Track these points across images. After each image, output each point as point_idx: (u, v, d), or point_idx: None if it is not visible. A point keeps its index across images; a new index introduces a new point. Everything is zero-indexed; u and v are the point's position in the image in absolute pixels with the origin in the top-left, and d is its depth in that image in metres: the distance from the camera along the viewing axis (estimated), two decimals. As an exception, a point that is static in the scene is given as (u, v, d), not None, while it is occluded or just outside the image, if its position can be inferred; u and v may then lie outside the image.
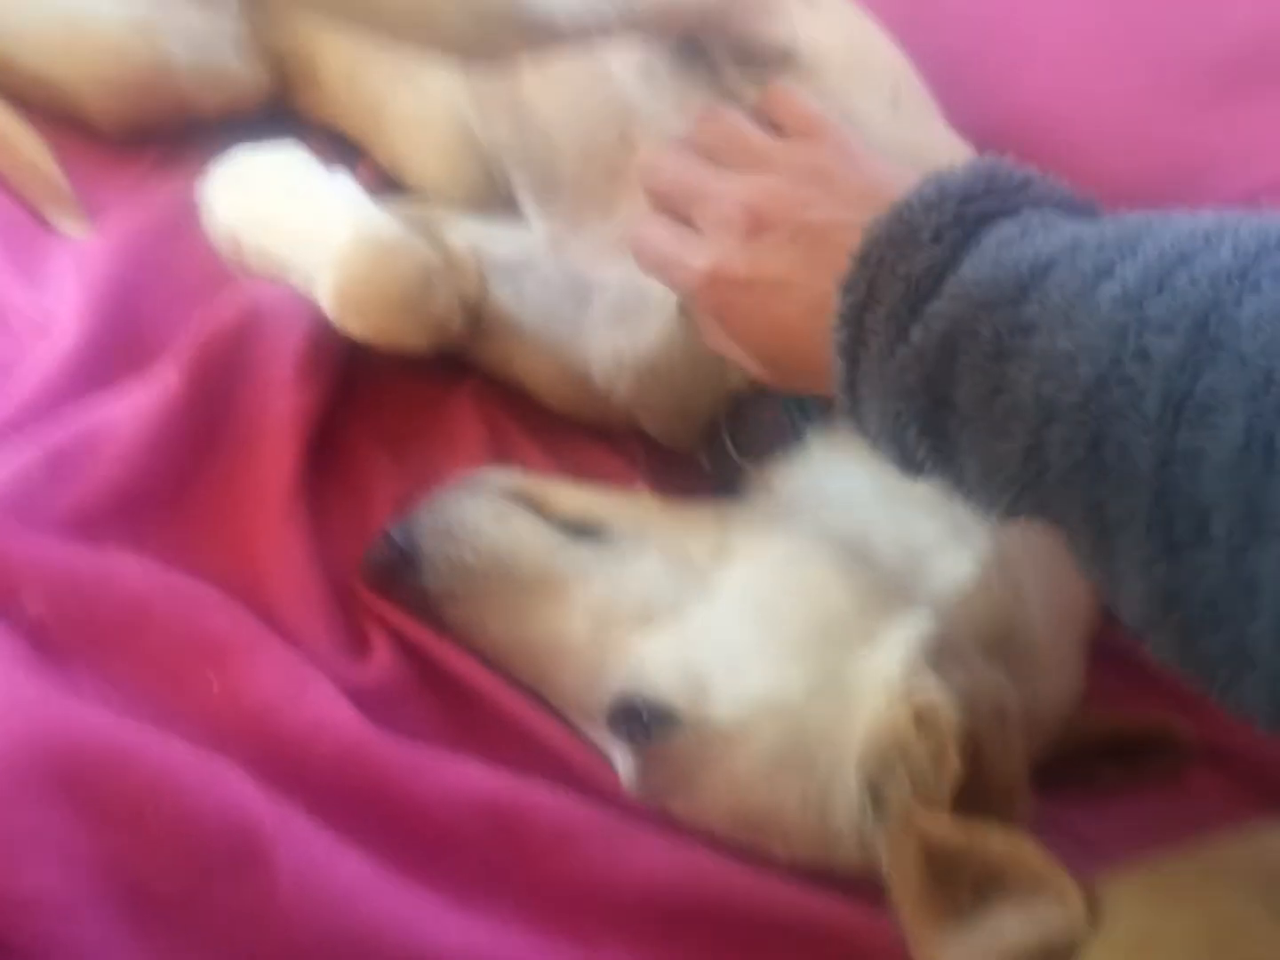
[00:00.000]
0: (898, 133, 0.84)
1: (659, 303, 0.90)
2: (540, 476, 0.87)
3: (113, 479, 0.79)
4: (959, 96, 0.94)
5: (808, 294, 0.69)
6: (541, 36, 0.72)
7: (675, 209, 0.78)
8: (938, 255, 0.62)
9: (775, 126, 0.78)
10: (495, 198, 1.02)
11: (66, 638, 0.71)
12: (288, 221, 0.85)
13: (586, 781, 0.77)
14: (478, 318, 0.96)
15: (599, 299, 0.94)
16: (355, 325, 0.82)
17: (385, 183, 1.11)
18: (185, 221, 0.95)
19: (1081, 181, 0.69)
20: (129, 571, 0.74)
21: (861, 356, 0.64)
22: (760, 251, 0.71)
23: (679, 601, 0.77)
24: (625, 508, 0.83)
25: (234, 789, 0.65)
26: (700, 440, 0.95)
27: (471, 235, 0.98)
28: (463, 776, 0.72)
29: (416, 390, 0.97)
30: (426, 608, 0.80)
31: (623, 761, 0.76)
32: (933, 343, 0.61)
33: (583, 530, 0.81)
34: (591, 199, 0.94)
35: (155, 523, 0.81)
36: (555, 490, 0.84)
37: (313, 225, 0.83)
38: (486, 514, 0.80)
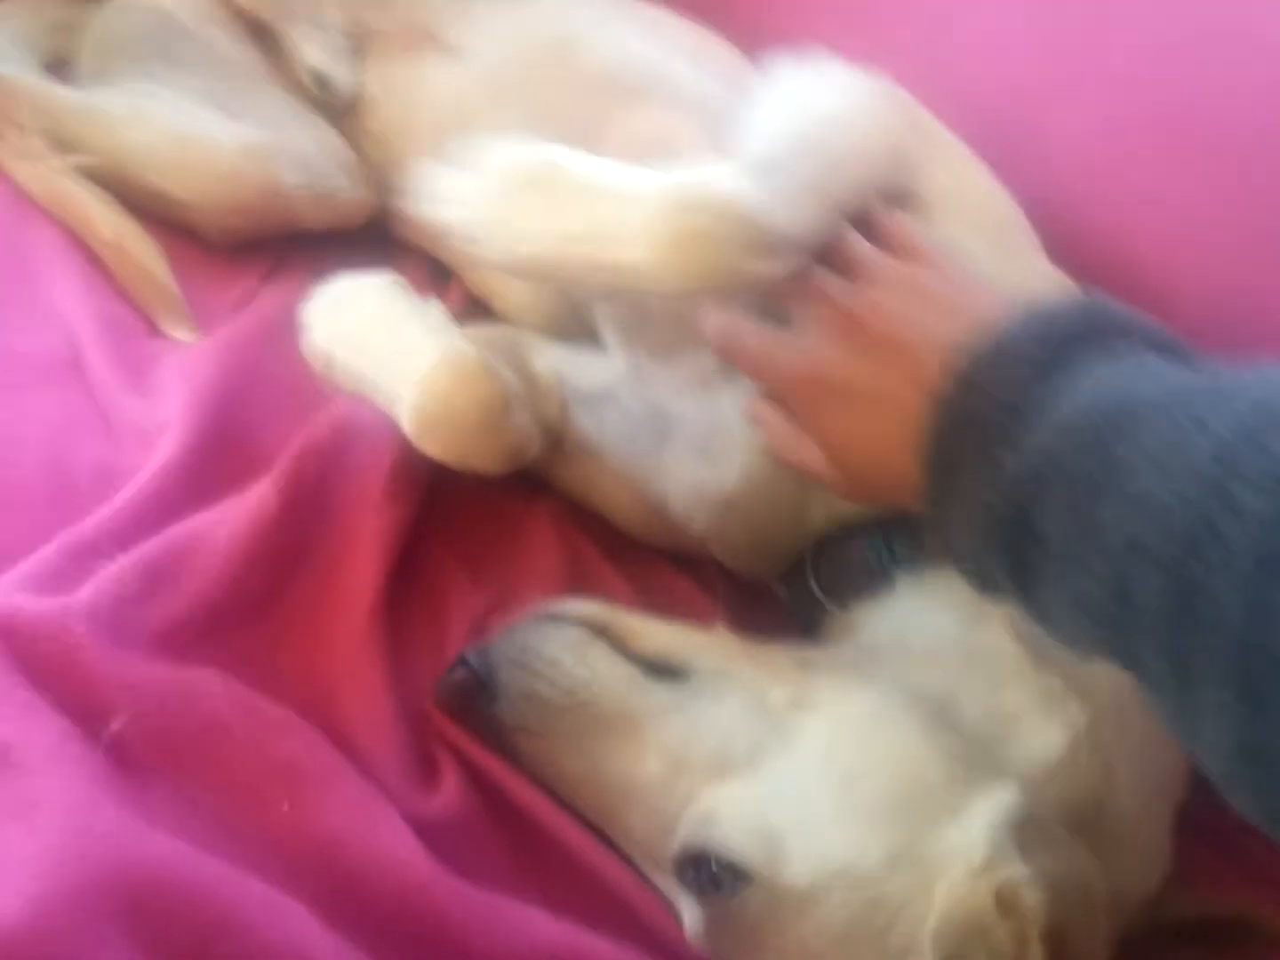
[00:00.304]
0: (999, 266, 0.84)
1: (741, 439, 0.90)
2: (620, 606, 0.86)
3: (203, 593, 0.81)
4: (1064, 236, 0.95)
5: (901, 408, 0.70)
6: (782, 253, 0.75)
7: (774, 305, 0.80)
8: (1039, 388, 0.63)
9: (883, 247, 0.81)
10: (578, 326, 1.03)
11: (145, 754, 0.72)
12: (377, 343, 0.87)
13: (650, 929, 0.76)
14: (558, 443, 0.98)
15: (679, 432, 0.94)
16: (432, 446, 0.84)
17: (474, 306, 1.14)
18: (289, 333, 0.97)
19: (1178, 328, 0.69)
20: (211, 690, 0.75)
21: (952, 476, 0.66)
22: (859, 361, 0.74)
23: (757, 751, 0.76)
24: (706, 648, 0.82)
25: (300, 930, 0.65)
26: (780, 575, 0.95)
27: (556, 362, 0.99)
28: (525, 924, 0.71)
29: (497, 510, 0.98)
30: (498, 737, 0.80)
31: (688, 912, 0.75)
32: (1025, 473, 0.62)
33: (662, 668, 0.80)
34: (680, 331, 0.94)
35: (240, 638, 0.82)
36: (636, 624, 0.83)
37: (400, 348, 0.86)
38: (565, 646, 0.80)
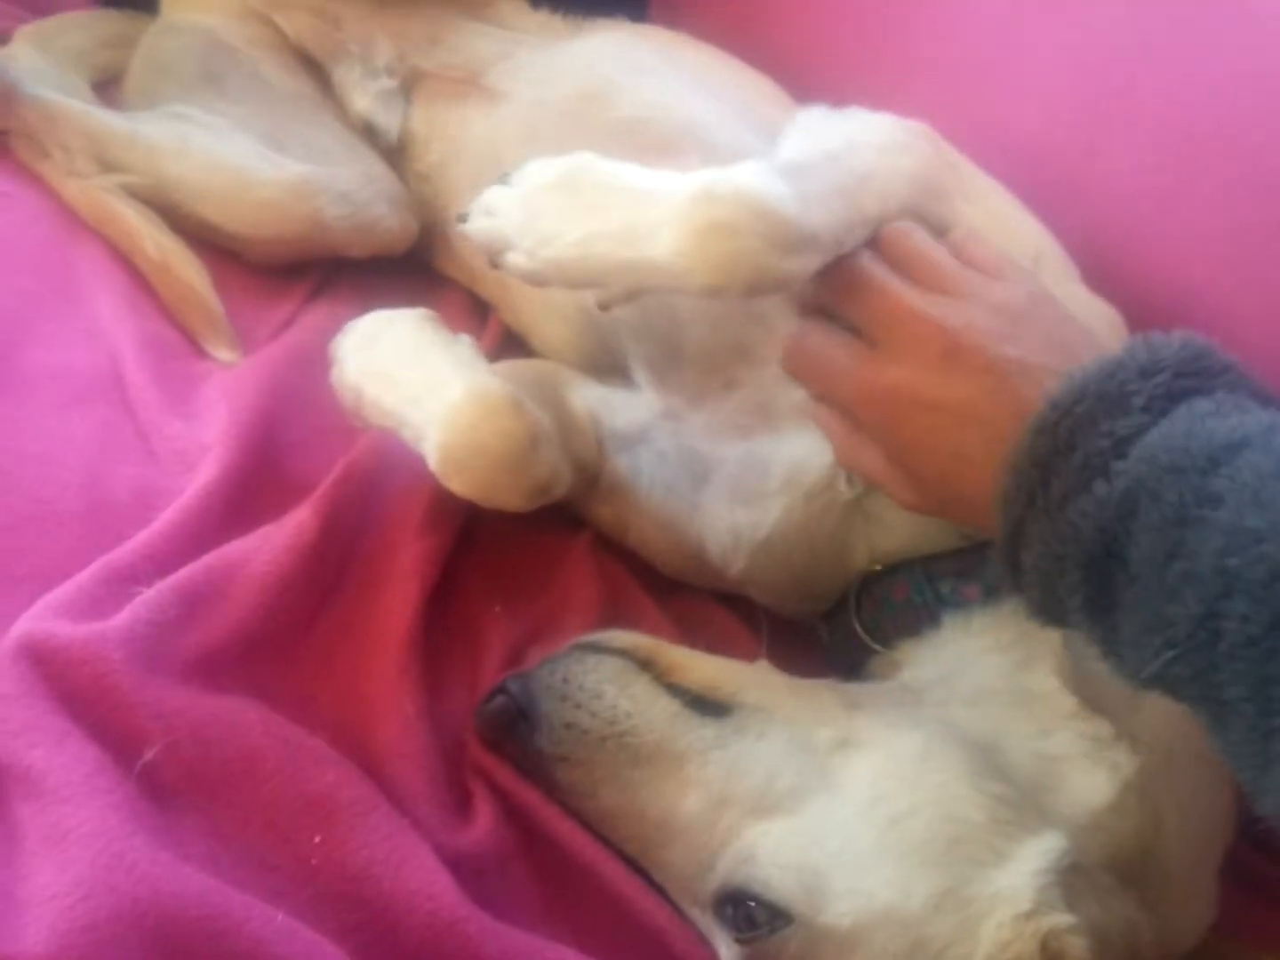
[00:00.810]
0: None
1: (779, 483, 0.89)
2: (664, 641, 0.85)
3: (239, 621, 0.80)
4: (1104, 271, 0.94)
5: (990, 427, 0.71)
6: (809, 252, 0.75)
7: (847, 314, 0.79)
8: (1138, 420, 0.64)
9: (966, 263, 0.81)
10: (613, 366, 1.03)
11: (177, 783, 0.72)
12: (405, 378, 0.86)
13: None
14: (594, 481, 0.97)
15: (717, 476, 0.93)
16: (457, 482, 0.83)
17: (511, 342, 1.14)
18: (329, 359, 0.97)
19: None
20: (246, 720, 0.75)
21: (1039, 497, 0.66)
22: (952, 377, 0.74)
23: (800, 790, 0.75)
24: (750, 684, 0.81)
25: (330, 967, 0.64)
26: (822, 616, 0.93)
27: (592, 400, 0.98)
28: (556, 965, 0.70)
29: (535, 542, 0.97)
30: (536, 766, 0.79)
31: (725, 948, 0.74)
32: (1117, 498, 0.63)
33: (705, 703, 0.79)
34: (714, 374, 0.94)
35: (275, 666, 0.81)
36: (680, 657, 0.82)
37: (428, 383, 0.85)
38: (608, 677, 0.79)
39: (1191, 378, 0.66)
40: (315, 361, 0.99)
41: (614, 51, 1.13)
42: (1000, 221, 0.88)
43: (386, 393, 0.87)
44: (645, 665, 0.81)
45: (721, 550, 0.93)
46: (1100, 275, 0.93)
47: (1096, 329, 0.83)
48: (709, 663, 0.82)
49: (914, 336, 0.76)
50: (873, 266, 0.79)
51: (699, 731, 0.77)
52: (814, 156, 0.82)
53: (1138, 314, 0.89)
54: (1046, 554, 0.66)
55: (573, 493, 0.92)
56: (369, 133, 1.18)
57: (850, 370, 0.78)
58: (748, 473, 0.91)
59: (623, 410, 0.96)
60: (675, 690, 0.79)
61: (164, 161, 1.08)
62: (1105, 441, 0.64)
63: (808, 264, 0.75)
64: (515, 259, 0.80)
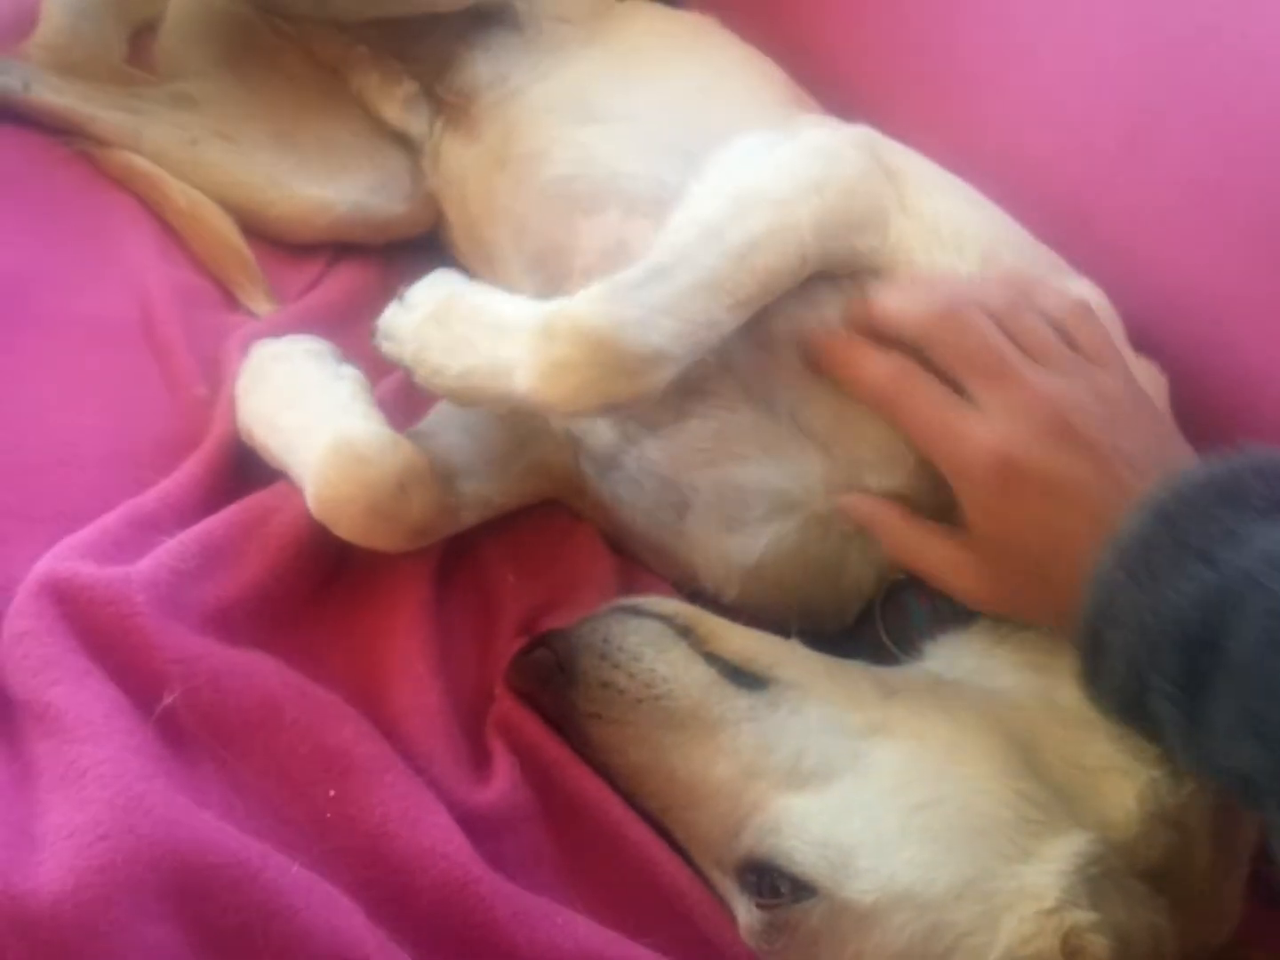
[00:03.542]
0: None
1: (764, 512, 0.88)
2: (704, 611, 0.84)
3: (256, 578, 0.80)
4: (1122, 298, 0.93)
5: (1096, 510, 0.71)
6: (657, 368, 0.76)
7: (945, 362, 0.78)
8: (1249, 517, 0.64)
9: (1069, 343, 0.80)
10: None
11: (196, 730, 0.71)
12: (284, 424, 0.86)
13: (701, 928, 0.75)
14: (580, 494, 0.97)
15: (696, 505, 0.91)
16: (337, 530, 0.82)
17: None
18: (355, 315, 0.97)
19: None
20: (265, 670, 0.75)
21: (1140, 574, 0.66)
22: (1062, 456, 0.74)
23: (831, 767, 0.74)
24: (786, 659, 0.80)
25: (346, 919, 0.64)
26: (843, 628, 0.91)
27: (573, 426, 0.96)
28: (570, 928, 0.70)
29: (548, 514, 0.97)
30: (569, 721, 0.80)
31: (745, 912, 0.74)
32: (1222, 590, 0.62)
33: (741, 674, 0.79)
34: (663, 406, 0.90)
35: (291, 624, 0.81)
36: (719, 627, 0.82)
37: (302, 430, 0.85)
38: (648, 640, 0.79)
39: None
40: (341, 320, 0.99)
41: (585, 80, 1.11)
42: (944, 227, 0.86)
43: (270, 439, 0.86)
44: (683, 633, 0.80)
45: (713, 577, 0.92)
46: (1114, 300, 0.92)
47: (1151, 391, 0.84)
48: (747, 635, 0.82)
49: (1025, 406, 0.75)
50: (988, 325, 0.78)
51: (733, 702, 0.77)
52: (686, 242, 0.80)
53: (1149, 342, 0.90)
54: (1141, 631, 0.65)
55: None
56: (403, 141, 1.17)
57: (962, 431, 0.77)
58: (726, 501, 0.89)
59: (591, 431, 0.94)
60: (712, 659, 0.79)
61: (170, 162, 1.08)
62: (1217, 530, 0.64)
63: (658, 378, 0.76)
64: (420, 381, 0.84)
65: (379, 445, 0.83)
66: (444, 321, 0.82)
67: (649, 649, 0.79)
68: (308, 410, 0.86)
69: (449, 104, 1.15)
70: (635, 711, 0.77)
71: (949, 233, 0.86)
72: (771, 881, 0.72)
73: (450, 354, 0.81)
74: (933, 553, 0.80)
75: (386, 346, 0.86)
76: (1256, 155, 0.93)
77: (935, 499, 0.82)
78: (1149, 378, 0.88)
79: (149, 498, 0.81)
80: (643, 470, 0.94)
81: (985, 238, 0.87)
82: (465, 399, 0.84)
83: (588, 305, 0.76)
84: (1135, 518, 0.67)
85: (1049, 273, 0.90)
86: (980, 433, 0.76)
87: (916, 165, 0.93)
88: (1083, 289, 0.90)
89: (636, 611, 0.81)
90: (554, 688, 0.79)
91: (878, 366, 0.81)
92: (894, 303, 0.82)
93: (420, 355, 0.83)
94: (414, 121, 1.16)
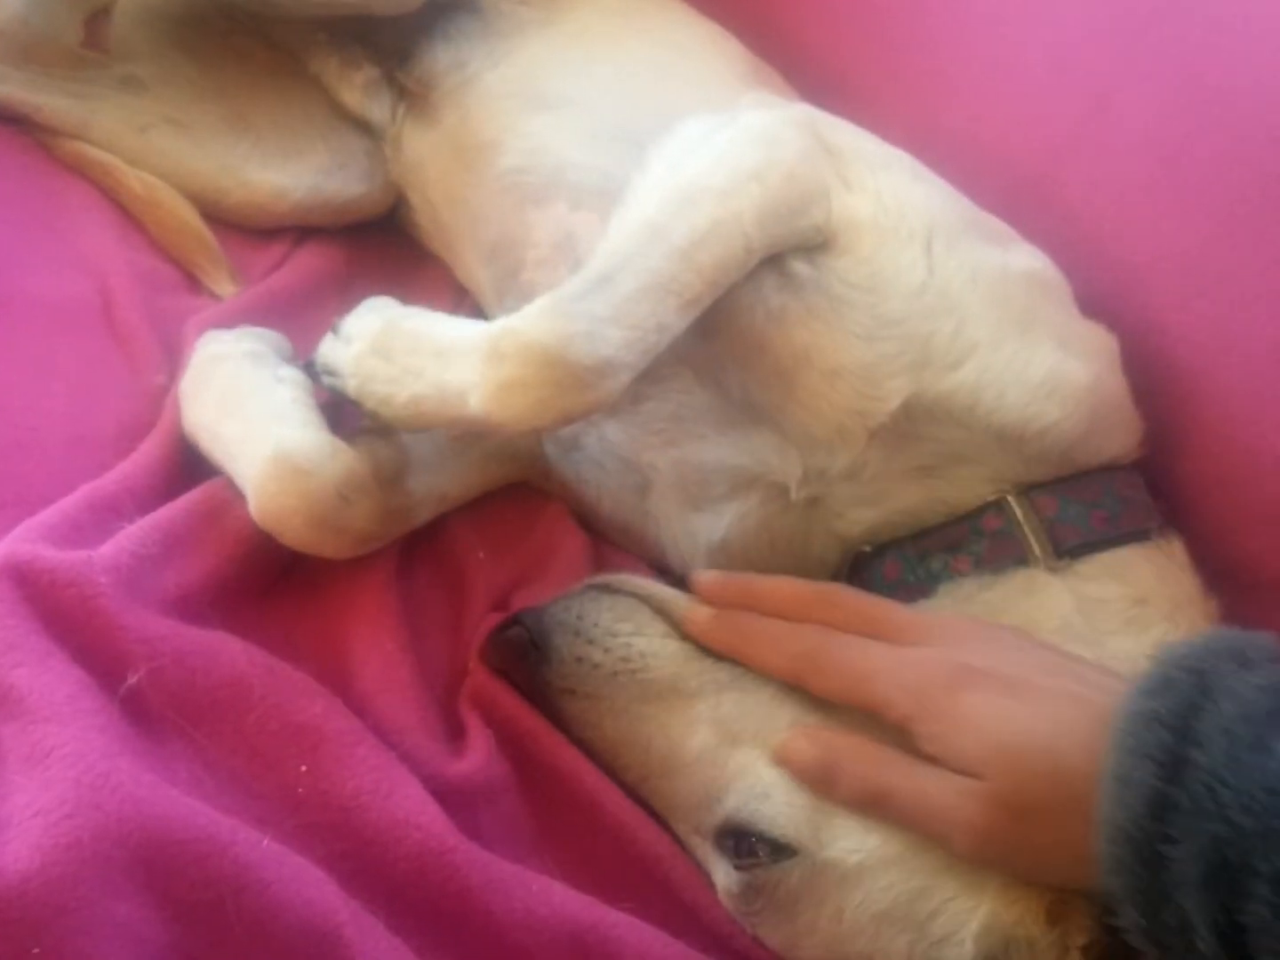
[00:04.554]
0: (936, 275, 0.83)
1: (725, 490, 0.89)
2: (676, 590, 0.84)
3: (216, 568, 0.80)
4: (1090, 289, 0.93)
5: (1082, 705, 0.67)
6: (610, 378, 0.75)
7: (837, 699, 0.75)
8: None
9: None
10: None
11: (162, 708, 0.71)
12: (225, 433, 0.85)
13: (679, 893, 0.76)
14: (547, 477, 0.97)
15: (658, 485, 0.92)
16: (282, 540, 0.81)
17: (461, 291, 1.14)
18: (319, 296, 0.96)
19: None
20: (232, 649, 0.74)
21: (1194, 751, 0.60)
22: (1007, 656, 0.72)
23: None
24: None
25: (318, 890, 0.64)
26: None
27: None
28: (546, 895, 0.70)
29: (519, 492, 0.97)
30: (543, 697, 0.80)
31: (723, 876, 0.75)
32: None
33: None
34: None
35: (255, 607, 0.81)
36: (694, 605, 0.82)
37: (242, 440, 0.84)
38: (623, 616, 0.80)
39: None
40: (305, 301, 0.98)
41: (538, 64, 1.11)
42: (886, 213, 0.85)
43: (213, 446, 0.85)
44: (658, 612, 0.81)
45: (681, 555, 0.93)
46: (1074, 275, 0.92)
47: (1094, 355, 0.84)
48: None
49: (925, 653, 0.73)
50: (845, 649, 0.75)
51: (713, 674, 0.78)
52: (629, 244, 0.79)
53: (1102, 312, 0.90)
54: (1210, 833, 0.58)
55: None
56: (365, 128, 1.16)
57: (885, 662, 0.72)
58: (687, 481, 0.90)
59: None
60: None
61: (120, 150, 1.07)
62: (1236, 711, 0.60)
63: (612, 388, 0.75)
64: (369, 411, 0.83)
65: (318, 456, 0.82)
66: (385, 353, 0.81)
67: (624, 624, 0.79)
68: (247, 418, 0.85)
69: (410, 91, 1.14)
70: (611, 684, 0.78)
71: (893, 206, 0.85)
72: (750, 845, 0.72)
73: (396, 384, 0.80)
74: (929, 777, 0.69)
75: (329, 381, 0.85)
76: (1217, 124, 0.93)
77: (887, 466, 0.83)
78: (1099, 338, 0.88)
79: (108, 481, 0.80)
80: (604, 452, 0.94)
81: (929, 207, 0.87)
82: (416, 425, 0.83)
83: (533, 322, 0.75)
84: (1145, 695, 0.63)
85: (994, 239, 0.89)
86: (912, 658, 0.72)
87: (858, 141, 0.92)
88: (1027, 256, 0.90)
89: (609, 588, 0.82)
90: (528, 665, 0.79)
91: (778, 650, 0.78)
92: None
93: (365, 388, 0.82)
94: (374, 108, 1.15)
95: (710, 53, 1.14)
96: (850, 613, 0.77)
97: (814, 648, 0.75)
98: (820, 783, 0.72)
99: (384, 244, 1.16)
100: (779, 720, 0.75)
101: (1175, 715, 0.61)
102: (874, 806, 0.71)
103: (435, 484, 0.91)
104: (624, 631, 0.79)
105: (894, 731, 0.71)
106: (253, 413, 0.85)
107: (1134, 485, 0.86)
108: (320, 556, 0.83)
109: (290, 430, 0.83)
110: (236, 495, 0.83)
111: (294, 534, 0.81)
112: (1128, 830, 0.60)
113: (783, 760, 0.74)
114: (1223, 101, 0.94)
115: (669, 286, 0.77)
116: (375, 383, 0.81)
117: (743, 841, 0.73)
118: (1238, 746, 0.59)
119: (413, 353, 0.80)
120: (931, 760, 0.69)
